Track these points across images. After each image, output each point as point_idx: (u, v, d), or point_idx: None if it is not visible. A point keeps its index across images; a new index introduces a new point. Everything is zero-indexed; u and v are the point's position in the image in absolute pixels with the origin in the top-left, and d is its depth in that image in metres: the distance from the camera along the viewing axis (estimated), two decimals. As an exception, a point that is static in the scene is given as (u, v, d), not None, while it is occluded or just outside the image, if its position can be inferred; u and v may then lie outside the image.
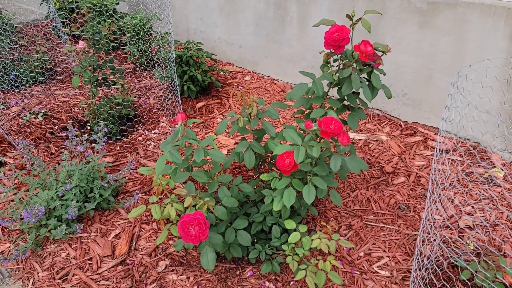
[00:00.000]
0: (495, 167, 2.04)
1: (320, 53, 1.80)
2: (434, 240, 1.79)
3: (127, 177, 2.39)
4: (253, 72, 3.47)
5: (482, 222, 1.96)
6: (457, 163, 2.31)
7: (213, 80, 3.07)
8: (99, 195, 2.10)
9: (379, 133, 2.62)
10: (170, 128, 2.86)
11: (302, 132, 1.91)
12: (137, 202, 2.23)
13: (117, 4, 3.58)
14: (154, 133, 2.84)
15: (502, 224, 1.93)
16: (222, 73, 3.35)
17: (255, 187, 2.04)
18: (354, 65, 1.70)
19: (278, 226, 1.86)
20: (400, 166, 2.33)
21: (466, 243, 1.82)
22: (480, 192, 2.13)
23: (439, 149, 2.42)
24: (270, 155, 2.04)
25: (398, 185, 2.21)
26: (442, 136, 2.49)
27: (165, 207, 1.64)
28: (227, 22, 3.47)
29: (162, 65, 3.04)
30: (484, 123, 2.33)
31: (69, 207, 1.89)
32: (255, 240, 1.91)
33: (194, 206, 1.62)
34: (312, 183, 1.58)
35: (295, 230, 1.82)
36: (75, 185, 2.02)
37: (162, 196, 2.25)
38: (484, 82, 2.23)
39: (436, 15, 2.30)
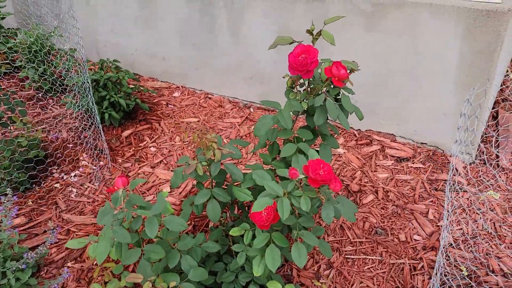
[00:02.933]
0: (490, 190, 1.95)
1: (284, 77, 1.51)
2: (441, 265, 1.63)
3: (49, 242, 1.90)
4: (182, 87, 3.08)
5: (462, 236, 1.85)
6: (420, 171, 2.21)
7: (138, 102, 2.64)
8: (15, 279, 1.61)
9: (334, 146, 2.42)
10: (94, 168, 2.38)
11: (270, 168, 1.62)
12: (68, 275, 1.76)
13: (2, 18, 2.93)
14: (75, 175, 2.34)
15: (480, 235, 1.85)
16: (147, 92, 2.91)
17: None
18: (325, 89, 1.45)
19: (254, 284, 1.56)
20: (365, 182, 2.16)
21: (456, 266, 1.70)
22: (452, 201, 2.03)
23: (399, 158, 2.30)
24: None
25: (368, 205, 2.03)
26: (400, 143, 2.37)
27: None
28: (145, 32, 3.02)
29: (75, 91, 2.52)
30: (442, 126, 2.25)
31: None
32: (228, 303, 1.59)
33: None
34: (299, 237, 1.30)
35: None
36: (-22, 275, 1.50)
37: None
38: (444, 86, 2.14)
39: (384, 17, 2.14)
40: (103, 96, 2.53)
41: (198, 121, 2.74)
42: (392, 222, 1.94)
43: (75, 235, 1.99)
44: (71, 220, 2.05)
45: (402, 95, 2.28)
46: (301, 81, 1.48)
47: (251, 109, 2.80)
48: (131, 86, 2.83)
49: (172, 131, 2.66)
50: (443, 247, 1.48)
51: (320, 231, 1.41)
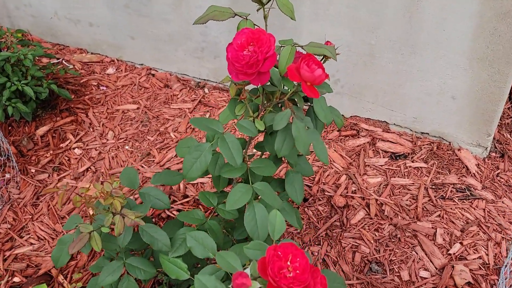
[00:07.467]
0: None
1: (222, 83, 0.95)
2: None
3: None
4: (118, 61, 2.43)
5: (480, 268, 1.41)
6: (422, 172, 1.72)
7: (54, 89, 2.00)
8: None
9: (312, 139, 1.90)
10: (-4, 183, 1.79)
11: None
12: None
13: None
14: (-30, 195, 1.75)
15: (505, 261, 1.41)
16: (70, 72, 2.24)
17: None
18: (290, 99, 0.89)
19: None
20: (353, 192, 1.67)
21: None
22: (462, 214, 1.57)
23: (394, 154, 1.80)
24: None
25: (358, 226, 1.55)
26: (395, 133, 1.86)
27: None
28: (62, -10, 2.31)
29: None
30: (449, 112, 1.74)
31: None
32: None
33: None
34: None
35: None
36: None
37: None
38: (453, 60, 1.60)
39: (376, -34, 1.54)
40: (3, 83, 1.88)
41: (138, 108, 2.13)
42: (390, 251, 1.47)
43: (-36, 289, 1.45)
44: (-43, 267, 1.49)
45: (398, 72, 1.73)
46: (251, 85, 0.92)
47: (206, 90, 2.21)
48: (52, 62, 2.17)
49: (103, 124, 2.06)
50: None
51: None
